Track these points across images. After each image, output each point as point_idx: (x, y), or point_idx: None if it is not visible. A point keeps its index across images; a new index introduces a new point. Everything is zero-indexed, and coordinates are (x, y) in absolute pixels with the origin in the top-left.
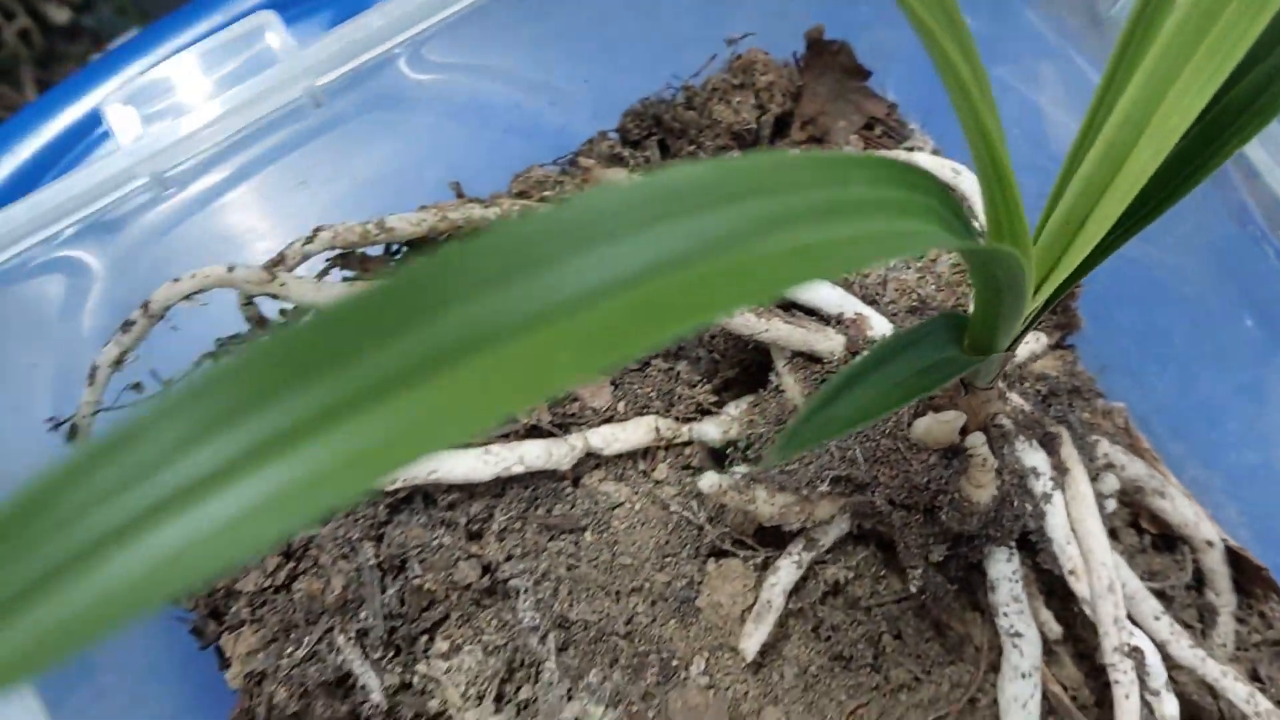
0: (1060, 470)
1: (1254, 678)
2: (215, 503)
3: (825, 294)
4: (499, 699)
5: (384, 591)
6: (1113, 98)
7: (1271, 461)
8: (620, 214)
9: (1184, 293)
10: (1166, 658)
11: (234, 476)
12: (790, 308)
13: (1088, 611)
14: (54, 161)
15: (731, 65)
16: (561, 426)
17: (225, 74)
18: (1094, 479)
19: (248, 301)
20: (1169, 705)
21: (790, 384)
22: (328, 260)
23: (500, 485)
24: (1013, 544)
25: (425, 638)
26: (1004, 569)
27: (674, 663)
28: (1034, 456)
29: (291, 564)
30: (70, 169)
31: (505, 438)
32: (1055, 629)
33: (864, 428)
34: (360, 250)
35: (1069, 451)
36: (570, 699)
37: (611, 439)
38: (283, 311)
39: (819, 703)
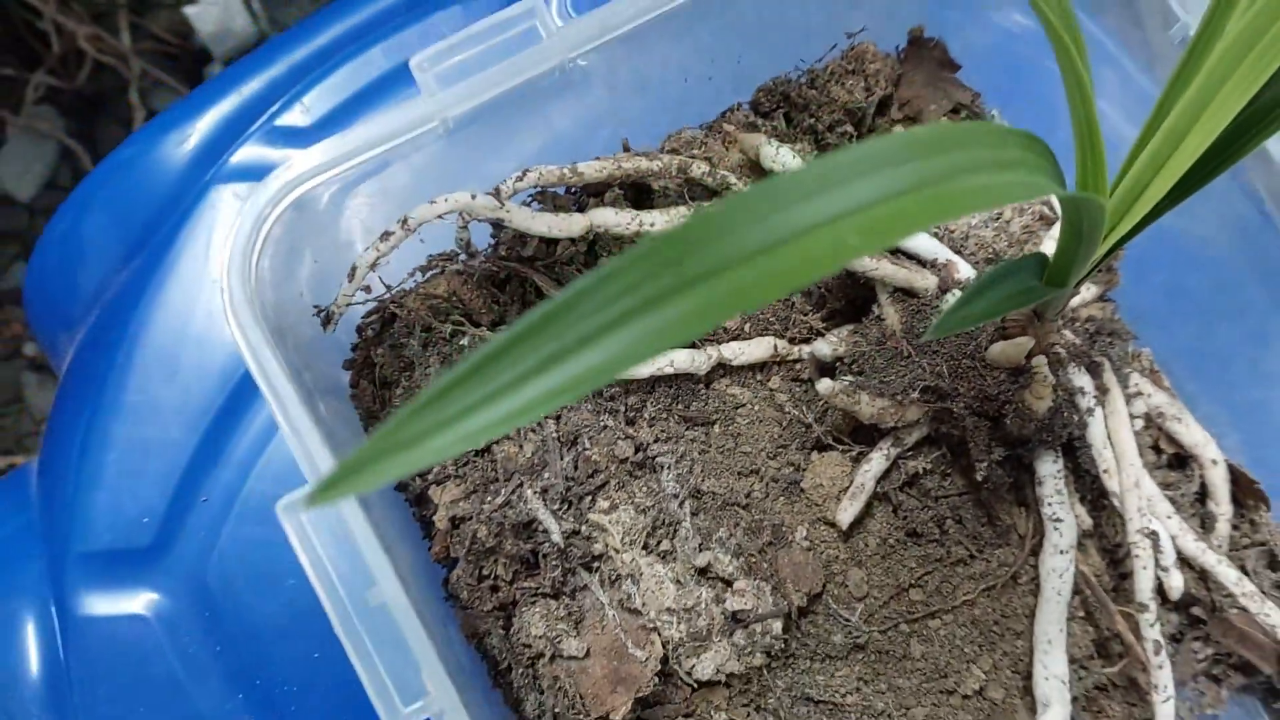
0: (1102, 391)
1: (1243, 571)
2: (637, 324)
3: (924, 242)
4: (646, 547)
5: (562, 459)
6: (1175, 95)
7: (1269, 399)
8: (871, 158)
9: (1206, 259)
10: (1174, 548)
11: (645, 311)
12: (895, 253)
13: (1116, 504)
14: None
15: (846, 54)
16: (700, 340)
17: (495, 46)
18: (1127, 403)
19: (464, 225)
20: (1176, 578)
21: (890, 314)
22: (531, 195)
23: (651, 383)
24: (1059, 448)
25: (590, 497)
26: (1051, 468)
27: (783, 529)
28: (1082, 379)
29: None
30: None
31: None
32: (1087, 522)
33: (981, 323)
34: (553, 190)
35: (1109, 378)
36: (702, 550)
37: (739, 352)
38: (495, 231)
39: (894, 568)
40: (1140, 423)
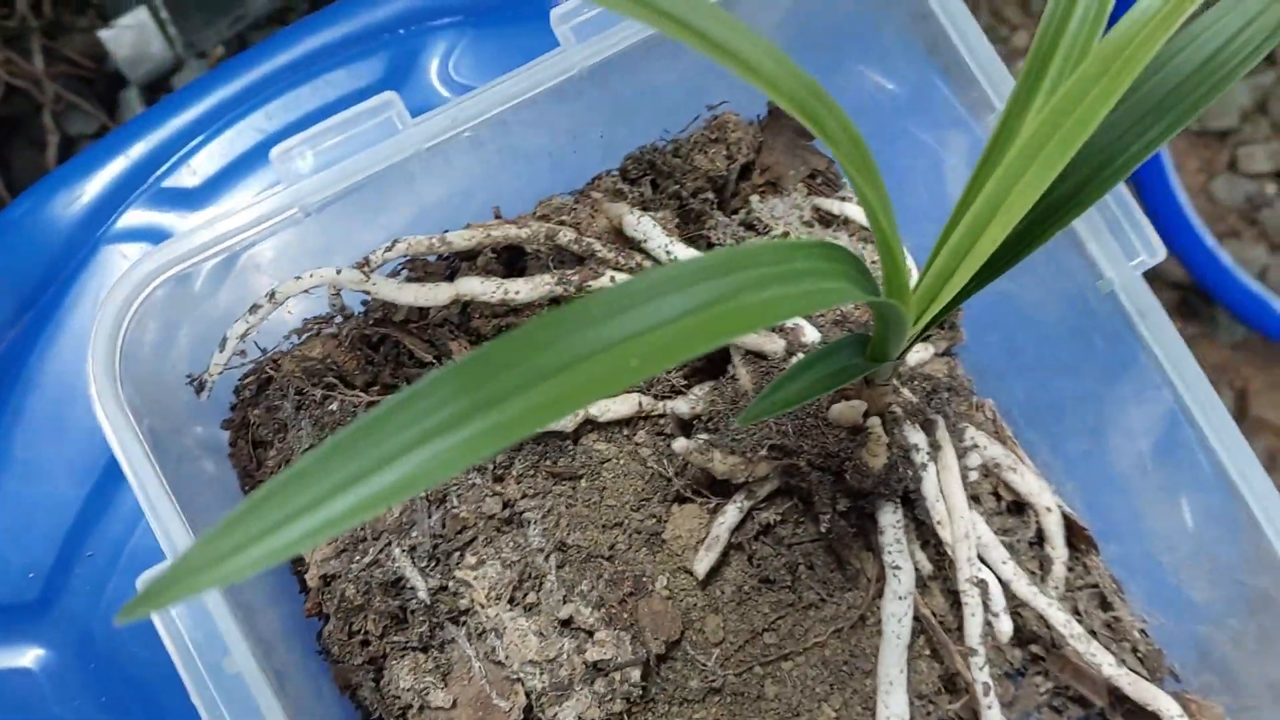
0: (935, 447)
1: (1075, 612)
2: (434, 445)
3: None
4: (512, 601)
5: (430, 518)
6: (977, 188)
7: (1096, 451)
8: (659, 285)
9: (1037, 320)
10: (1010, 593)
11: (443, 433)
12: None
13: (949, 552)
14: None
15: (710, 124)
16: None
17: (354, 137)
18: (962, 456)
19: (337, 293)
20: (1005, 624)
21: (743, 374)
22: (400, 265)
23: (519, 441)
24: (898, 500)
25: (459, 554)
26: (890, 519)
27: (644, 579)
28: (916, 436)
29: None
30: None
31: None
32: (927, 567)
33: (796, 408)
34: (424, 258)
35: (942, 434)
36: (565, 602)
37: (605, 409)
38: (364, 303)
39: (749, 614)
40: (976, 474)
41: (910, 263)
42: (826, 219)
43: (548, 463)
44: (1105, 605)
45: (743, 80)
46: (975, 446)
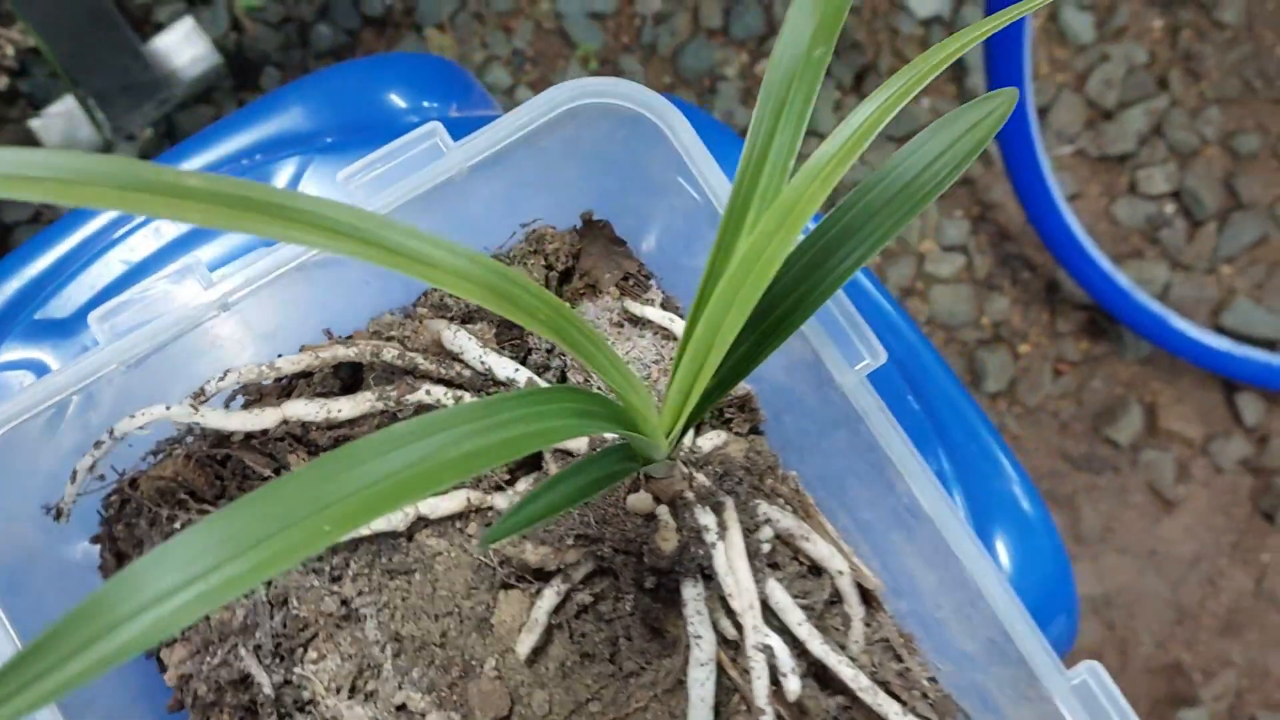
0: (723, 527)
1: (874, 665)
2: (215, 574)
3: None
4: (352, 691)
5: (272, 619)
6: (696, 318)
7: (873, 520)
8: (399, 437)
9: (808, 406)
10: (806, 653)
11: (192, 577)
12: None
13: (740, 621)
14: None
15: (528, 238)
16: None
17: (159, 298)
18: (754, 531)
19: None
20: (793, 683)
21: (553, 469)
22: (235, 391)
23: (355, 543)
24: (697, 576)
25: (301, 650)
26: (692, 592)
27: (473, 662)
28: (707, 518)
29: None
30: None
31: None
32: (732, 632)
33: (562, 513)
34: (258, 383)
35: (730, 515)
36: (400, 688)
37: (436, 507)
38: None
39: (574, 686)
40: (769, 545)
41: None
42: (634, 320)
43: (383, 560)
44: (897, 658)
45: (552, 196)
46: (767, 521)
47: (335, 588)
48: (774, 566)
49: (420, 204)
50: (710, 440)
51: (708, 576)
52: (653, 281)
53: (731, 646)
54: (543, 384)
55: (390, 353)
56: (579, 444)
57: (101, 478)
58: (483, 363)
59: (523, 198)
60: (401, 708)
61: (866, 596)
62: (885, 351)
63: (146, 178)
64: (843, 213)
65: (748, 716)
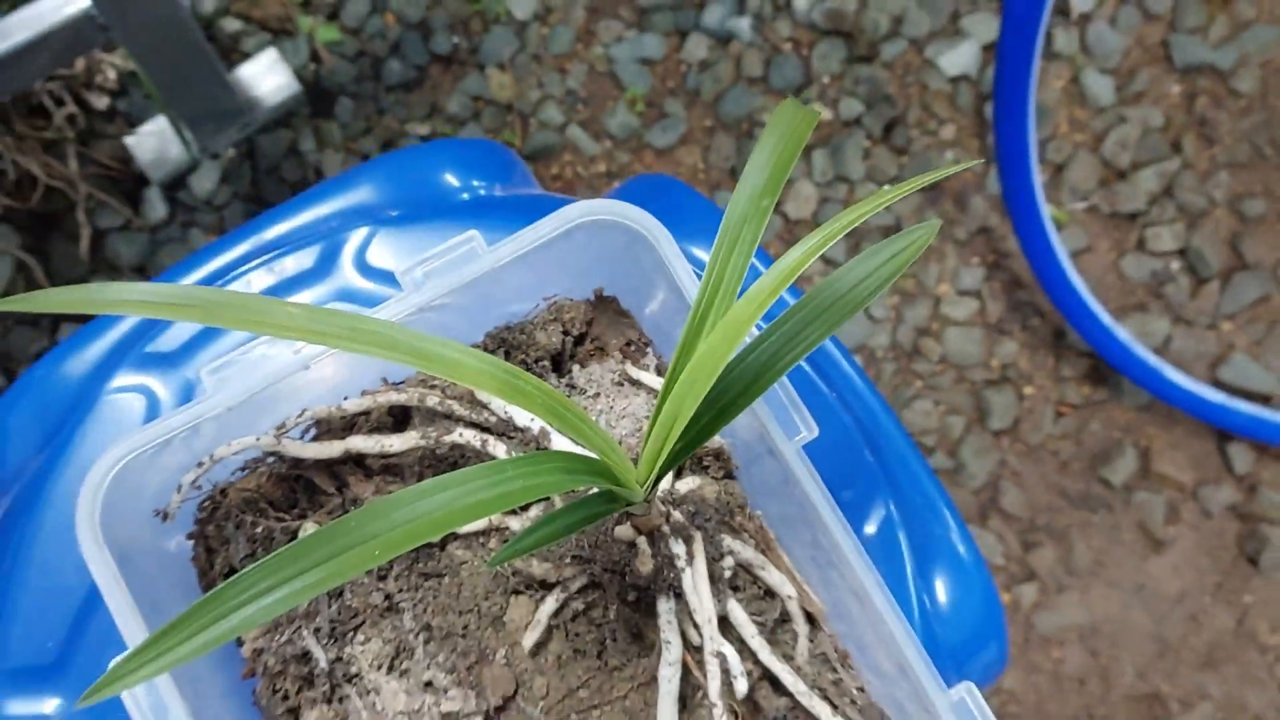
0: (690, 556)
1: (814, 675)
2: (296, 581)
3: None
4: (390, 668)
5: (329, 607)
6: (664, 399)
7: (818, 556)
8: (426, 491)
9: (766, 463)
10: (758, 662)
11: (280, 581)
12: None
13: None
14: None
15: (550, 307)
16: None
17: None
18: (719, 559)
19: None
20: (741, 685)
21: (557, 503)
22: (309, 425)
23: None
24: (669, 593)
25: (351, 633)
26: (664, 606)
27: (487, 651)
28: (678, 548)
29: None
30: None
31: None
32: (698, 640)
33: (560, 540)
34: (328, 419)
35: (697, 546)
36: (429, 669)
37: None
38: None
39: (567, 676)
40: (729, 571)
41: None
42: (632, 381)
43: (420, 565)
44: (833, 670)
45: (570, 276)
46: (730, 552)
47: (381, 585)
48: (735, 589)
49: (462, 289)
50: (687, 484)
51: (678, 594)
52: (650, 348)
53: (696, 651)
54: (553, 432)
55: (433, 399)
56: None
57: (199, 488)
58: (505, 412)
59: (546, 278)
60: (429, 684)
61: (811, 618)
62: (818, 428)
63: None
64: (785, 320)
65: (707, 708)
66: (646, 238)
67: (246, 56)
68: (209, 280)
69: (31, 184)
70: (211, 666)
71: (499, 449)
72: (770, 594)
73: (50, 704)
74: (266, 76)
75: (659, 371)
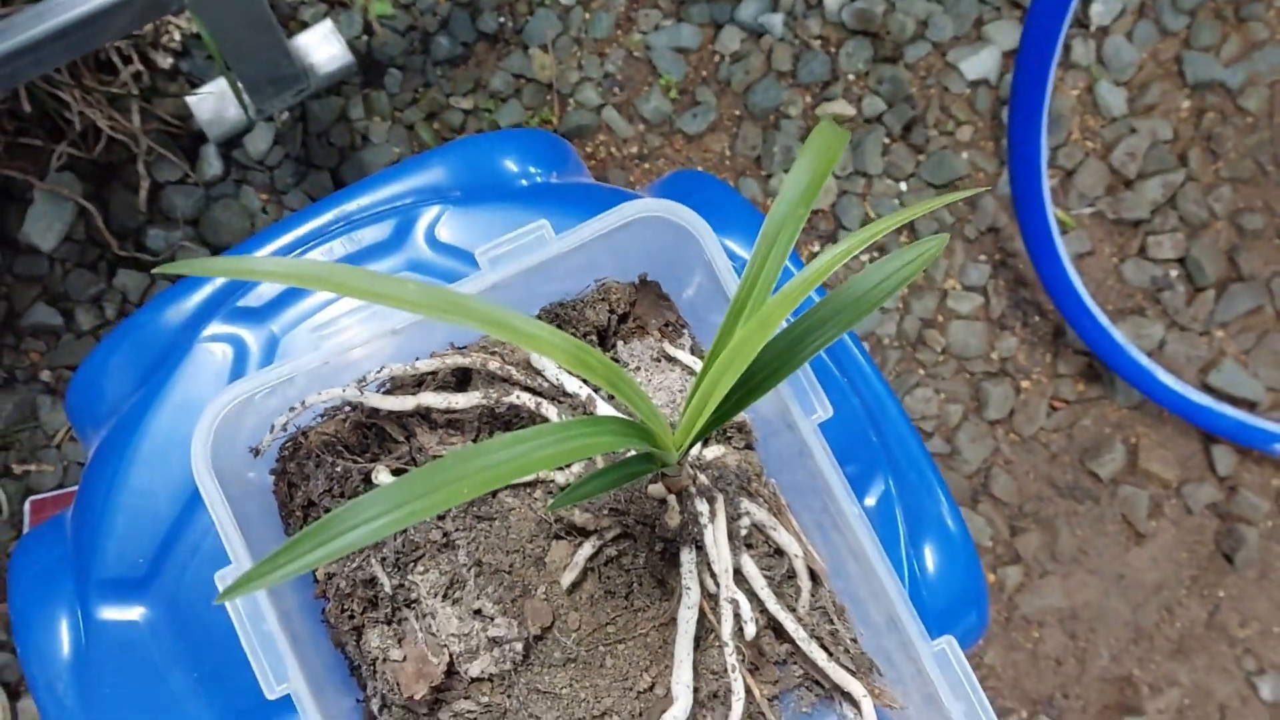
0: (713, 515)
1: (814, 625)
2: (402, 508)
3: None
4: (445, 596)
5: (395, 539)
6: (704, 374)
7: (824, 521)
8: (506, 443)
9: (786, 437)
10: (765, 610)
11: (388, 509)
12: None
13: (719, 580)
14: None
15: (599, 288)
16: None
17: (362, 318)
18: (736, 519)
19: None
20: (750, 628)
21: (600, 462)
22: (385, 381)
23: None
24: (692, 545)
25: (412, 564)
26: (687, 557)
27: (530, 586)
28: (703, 507)
29: None
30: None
31: None
32: (714, 588)
33: (604, 493)
34: (402, 377)
35: (719, 506)
36: (478, 599)
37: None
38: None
39: (598, 612)
40: (747, 530)
41: None
42: (669, 358)
43: (474, 508)
44: (830, 621)
45: (619, 261)
46: (747, 513)
47: (440, 523)
48: (749, 546)
49: (528, 271)
50: (713, 451)
51: (699, 547)
52: (686, 330)
53: (712, 598)
54: (600, 400)
55: (494, 364)
56: None
57: (286, 430)
58: (558, 379)
59: (597, 262)
60: (478, 612)
61: (814, 575)
62: (832, 408)
63: (380, 288)
64: (809, 315)
65: (719, 648)
66: (693, 234)
67: (304, 26)
68: (297, 244)
69: (96, 136)
70: (290, 585)
71: (551, 411)
72: (779, 552)
73: (137, 611)
74: (322, 46)
75: (693, 351)
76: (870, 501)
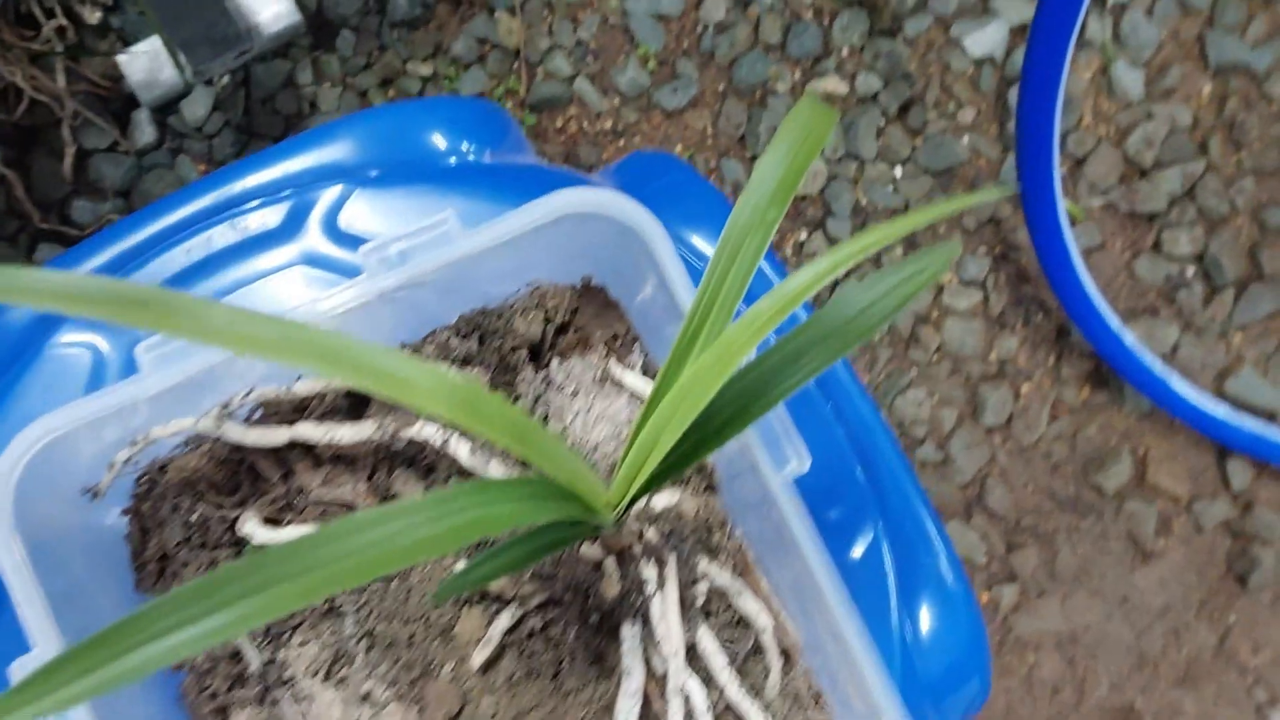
0: (662, 581)
1: (784, 714)
2: (214, 618)
3: None
4: (327, 675)
5: None
6: (644, 420)
7: (798, 582)
8: (363, 524)
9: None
10: (724, 696)
11: (185, 621)
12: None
13: (667, 664)
14: None
15: (531, 293)
16: None
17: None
18: (692, 584)
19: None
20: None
21: None
22: (255, 407)
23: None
24: (636, 618)
25: (288, 634)
26: (629, 631)
27: (433, 665)
28: (649, 571)
29: None
30: None
31: None
32: (663, 669)
33: (503, 577)
34: (277, 400)
35: (670, 571)
36: (368, 679)
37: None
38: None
39: (518, 696)
40: (703, 597)
41: None
42: (615, 382)
43: None
44: (803, 710)
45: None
46: (704, 577)
47: None
48: (708, 615)
49: (444, 270)
50: (664, 499)
51: (645, 620)
52: (637, 344)
53: (660, 680)
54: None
55: None
56: None
57: (135, 464)
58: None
59: (530, 262)
60: (367, 696)
61: (785, 651)
62: (810, 459)
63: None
64: (786, 343)
65: None
66: (639, 235)
67: None
68: (171, 232)
69: (17, 97)
70: None
71: (462, 449)
72: (744, 621)
73: None
74: (267, 4)
75: (645, 371)
76: (856, 553)
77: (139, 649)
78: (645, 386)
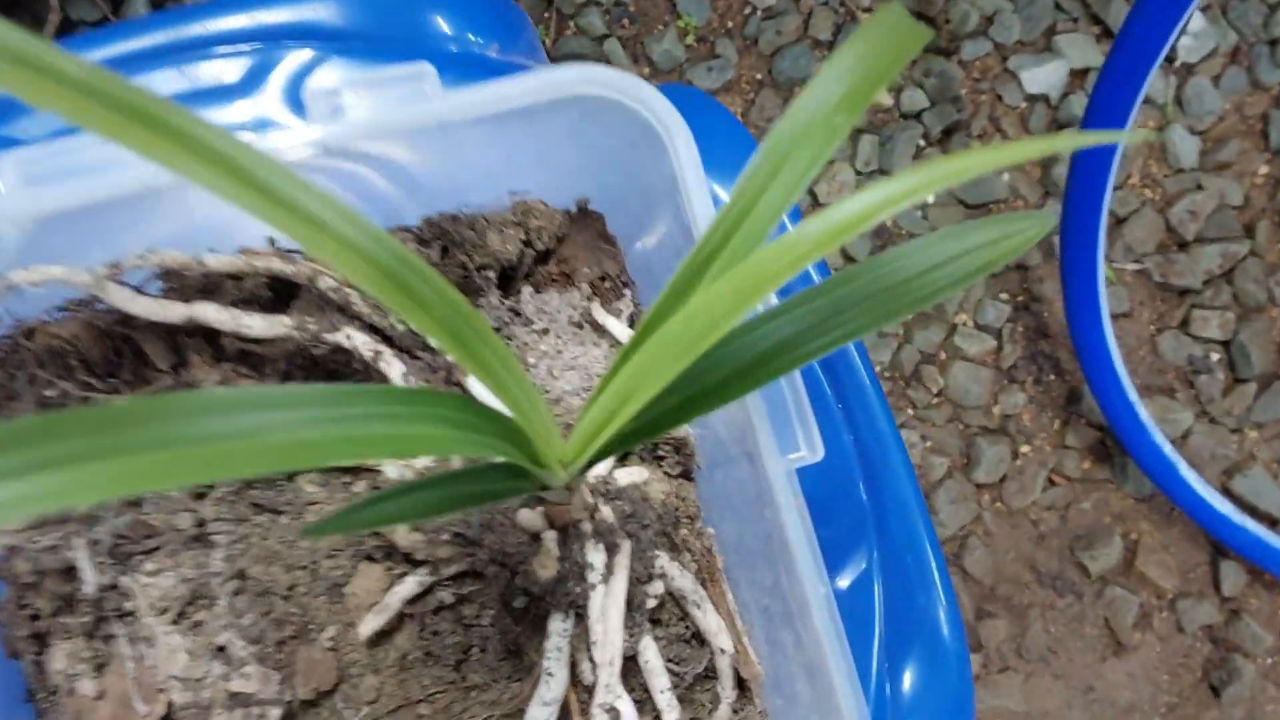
0: (609, 570)
1: None
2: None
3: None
4: (181, 616)
5: (118, 517)
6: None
7: (772, 607)
8: (245, 404)
9: (738, 475)
10: None
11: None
12: None
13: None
14: None
15: (514, 207)
16: None
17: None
18: (645, 581)
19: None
20: None
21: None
22: (155, 275)
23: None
24: (569, 611)
25: (139, 558)
26: (558, 626)
27: (311, 626)
28: (596, 556)
29: None
30: None
31: None
32: (590, 678)
33: (398, 524)
34: (181, 272)
35: (621, 559)
36: (226, 629)
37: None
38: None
39: (409, 682)
40: (654, 601)
41: None
42: (595, 325)
43: (255, 491)
44: None
45: (549, 174)
46: (662, 575)
47: (195, 505)
48: (656, 623)
49: (406, 147)
50: (630, 474)
51: (580, 615)
52: (629, 290)
53: (585, 692)
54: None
55: (328, 281)
56: None
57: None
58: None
59: (519, 167)
60: (222, 650)
61: (742, 682)
62: (824, 450)
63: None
64: (816, 294)
65: None
66: (660, 134)
67: None
68: (108, 66)
69: None
70: None
71: (394, 369)
72: (699, 638)
73: None
74: None
75: (632, 322)
76: (843, 583)
77: None
78: (630, 336)
